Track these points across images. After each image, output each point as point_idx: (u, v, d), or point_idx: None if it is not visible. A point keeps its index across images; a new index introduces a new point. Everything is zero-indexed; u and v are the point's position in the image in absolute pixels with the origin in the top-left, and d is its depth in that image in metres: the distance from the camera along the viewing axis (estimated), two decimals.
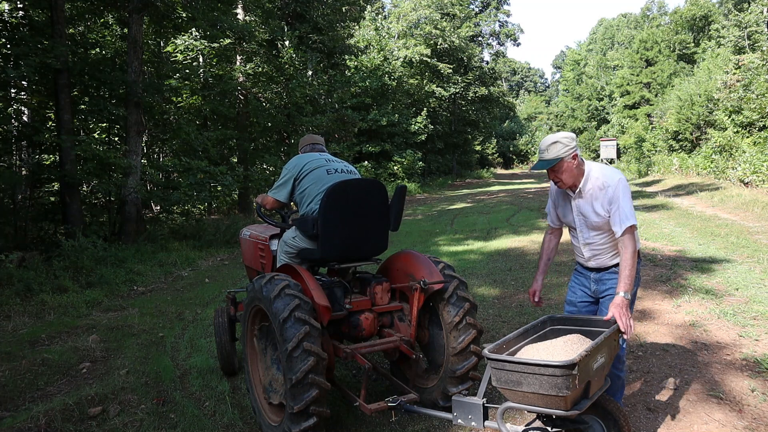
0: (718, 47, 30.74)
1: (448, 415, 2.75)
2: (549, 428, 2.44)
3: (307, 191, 3.37)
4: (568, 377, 2.11)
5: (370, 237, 3.42)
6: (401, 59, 28.93)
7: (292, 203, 3.97)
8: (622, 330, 2.54)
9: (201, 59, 15.08)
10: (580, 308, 3.09)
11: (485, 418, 2.63)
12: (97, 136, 12.39)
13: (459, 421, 2.69)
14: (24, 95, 10.90)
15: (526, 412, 2.97)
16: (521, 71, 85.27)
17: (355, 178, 3.40)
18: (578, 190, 2.85)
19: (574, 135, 2.81)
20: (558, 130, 64.74)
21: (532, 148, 55.95)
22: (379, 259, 3.59)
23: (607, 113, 50.92)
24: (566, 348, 2.40)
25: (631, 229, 2.72)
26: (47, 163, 11.23)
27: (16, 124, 10.50)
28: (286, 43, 18.32)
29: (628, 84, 41.90)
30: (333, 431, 3.28)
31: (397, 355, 3.43)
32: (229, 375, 4.21)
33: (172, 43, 14.01)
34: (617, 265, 2.86)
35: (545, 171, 2.82)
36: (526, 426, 2.52)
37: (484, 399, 2.66)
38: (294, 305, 2.81)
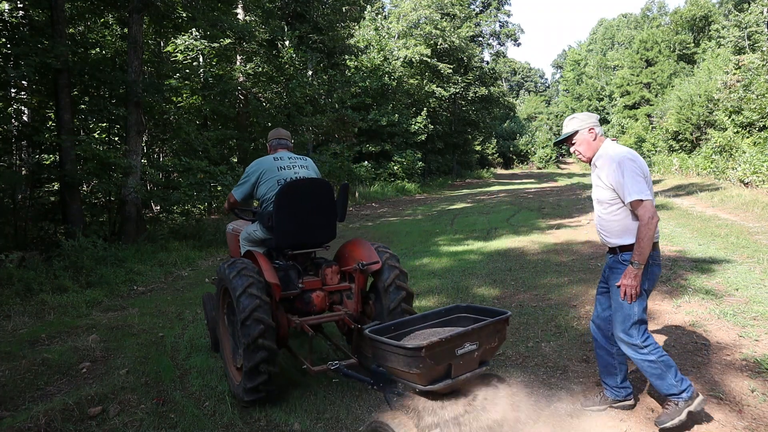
0: (718, 47, 30.77)
1: (368, 379, 3.02)
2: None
3: (264, 194, 3.99)
4: (417, 358, 2.47)
5: (318, 227, 3.98)
6: (401, 59, 28.91)
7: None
8: (621, 299, 2.94)
9: (201, 59, 15.07)
10: (603, 303, 3.28)
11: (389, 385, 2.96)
12: (97, 136, 12.39)
13: (374, 387, 3.00)
14: (24, 95, 10.89)
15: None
16: (521, 71, 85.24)
17: (303, 179, 3.95)
18: (593, 163, 3.12)
19: (594, 115, 3.14)
20: (558, 130, 65.01)
21: (532, 148, 55.94)
22: (328, 245, 4.15)
23: (607, 113, 50.94)
24: (434, 335, 2.71)
25: (638, 203, 2.86)
26: (47, 163, 11.23)
27: (16, 124, 10.49)
28: (286, 43, 18.32)
29: (628, 84, 41.93)
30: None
31: (346, 327, 3.98)
32: (218, 352, 4.41)
33: (172, 43, 14.00)
34: (624, 249, 3.01)
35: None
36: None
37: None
38: (248, 283, 3.37)
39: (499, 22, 50.11)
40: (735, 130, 19.16)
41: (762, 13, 24.34)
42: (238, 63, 16.55)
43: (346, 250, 4.02)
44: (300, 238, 3.93)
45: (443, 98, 33.27)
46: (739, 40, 26.36)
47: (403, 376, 2.67)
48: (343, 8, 22.63)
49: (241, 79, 16.13)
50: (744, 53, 22.90)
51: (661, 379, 2.94)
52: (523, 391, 3.00)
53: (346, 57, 23.77)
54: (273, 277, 3.52)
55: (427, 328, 2.94)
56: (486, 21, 47.22)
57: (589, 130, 3.07)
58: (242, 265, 3.51)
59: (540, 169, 52.76)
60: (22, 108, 10.99)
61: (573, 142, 3.12)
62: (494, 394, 2.76)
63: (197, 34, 13.83)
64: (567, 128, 3.14)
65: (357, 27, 27.33)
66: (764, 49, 18.68)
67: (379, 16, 31.90)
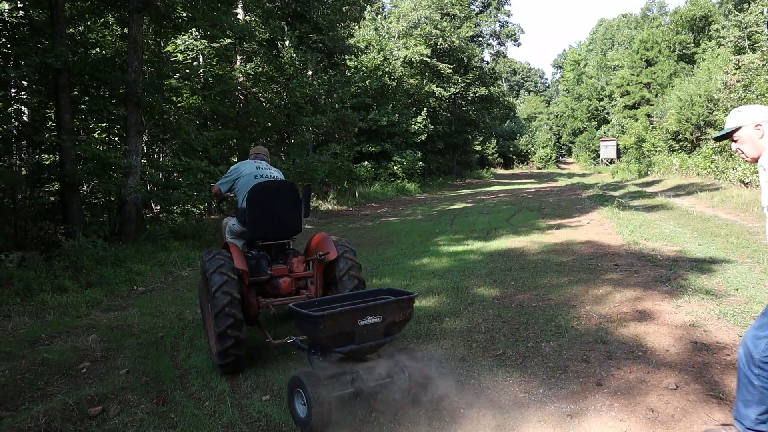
0: (718, 47, 30.74)
1: (307, 347, 3.54)
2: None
3: (240, 190, 4.68)
4: (320, 325, 3.00)
5: (285, 223, 4.60)
6: (401, 59, 28.91)
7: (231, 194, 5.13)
8: None
9: (201, 59, 15.08)
10: None
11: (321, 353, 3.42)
12: (97, 136, 12.39)
13: (312, 356, 3.46)
14: (24, 95, 10.89)
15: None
16: (521, 71, 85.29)
17: (271, 180, 4.63)
18: (760, 164, 2.71)
19: (765, 108, 2.71)
20: (558, 130, 64.86)
21: (532, 148, 55.92)
22: (295, 238, 4.82)
23: (607, 113, 50.95)
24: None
25: None
26: (47, 163, 11.23)
27: (16, 124, 10.49)
28: (286, 43, 18.32)
29: (628, 84, 41.92)
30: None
31: None
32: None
33: (172, 43, 14.01)
34: None
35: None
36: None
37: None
38: (223, 281, 3.91)
39: (499, 22, 50.14)
40: None
41: (762, 13, 24.31)
42: (238, 63, 16.55)
43: (312, 243, 4.65)
44: (269, 232, 4.58)
45: (443, 98, 33.26)
46: (739, 40, 26.33)
47: (316, 341, 3.21)
48: (343, 8, 22.60)
49: (241, 79, 16.13)
50: (744, 53, 22.87)
51: (746, 406, 2.76)
52: (431, 362, 3.54)
53: (346, 57, 23.75)
54: (242, 265, 4.15)
55: (348, 305, 3.34)
56: (486, 21, 47.24)
57: (756, 126, 2.68)
58: (221, 261, 4.03)
59: (540, 169, 52.76)
60: (22, 108, 10.99)
61: (735, 139, 2.75)
62: (398, 361, 3.29)
63: (197, 34, 13.82)
64: (729, 123, 2.76)
65: (357, 27, 27.32)
66: (764, 49, 18.66)
67: (379, 16, 31.91)
